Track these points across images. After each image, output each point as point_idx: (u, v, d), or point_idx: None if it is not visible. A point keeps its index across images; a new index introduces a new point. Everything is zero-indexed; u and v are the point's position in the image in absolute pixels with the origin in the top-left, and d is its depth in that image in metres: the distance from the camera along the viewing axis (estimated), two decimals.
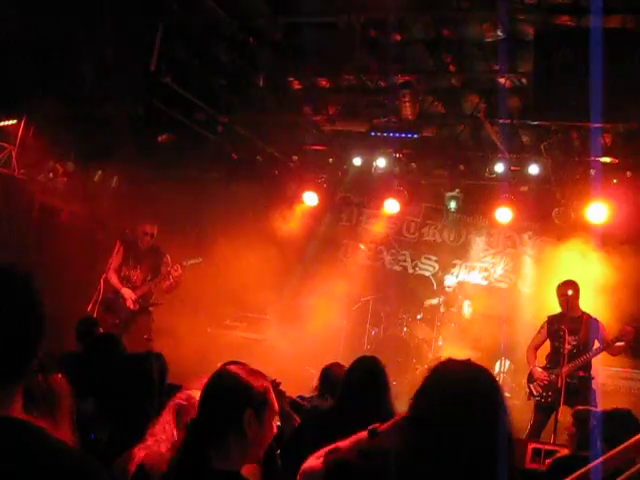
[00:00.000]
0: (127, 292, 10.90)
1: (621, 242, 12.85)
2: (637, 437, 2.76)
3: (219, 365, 5.48)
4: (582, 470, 2.75)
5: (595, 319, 9.90)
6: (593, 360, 9.73)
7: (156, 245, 11.31)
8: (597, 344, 9.55)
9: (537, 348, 10.07)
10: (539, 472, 7.12)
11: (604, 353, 9.78)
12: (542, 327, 10.33)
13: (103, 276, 10.95)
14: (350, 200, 15.46)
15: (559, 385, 9.11)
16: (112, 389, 4.76)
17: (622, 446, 2.77)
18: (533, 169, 12.80)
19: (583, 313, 9.82)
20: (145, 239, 11.12)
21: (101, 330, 8.78)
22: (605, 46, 8.82)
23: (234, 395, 3.25)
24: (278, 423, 6.07)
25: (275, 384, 5.77)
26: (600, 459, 2.79)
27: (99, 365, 5.40)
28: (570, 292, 9.55)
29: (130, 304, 10.85)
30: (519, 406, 11.73)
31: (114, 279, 10.94)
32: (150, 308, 11.13)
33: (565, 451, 6.65)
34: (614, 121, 10.95)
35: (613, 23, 8.96)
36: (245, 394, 3.25)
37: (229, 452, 3.19)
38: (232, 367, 3.45)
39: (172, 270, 10.86)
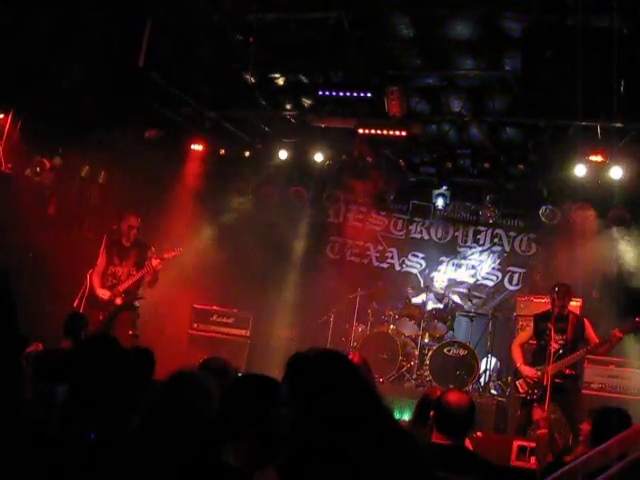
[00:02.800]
0: (102, 293, 10.85)
1: None
2: (622, 434, 2.78)
3: (201, 360, 5.50)
4: (566, 468, 2.76)
5: (581, 317, 9.97)
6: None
7: (141, 239, 11.27)
8: (583, 344, 9.60)
9: (522, 345, 10.10)
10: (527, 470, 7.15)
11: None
12: (528, 325, 10.42)
13: (90, 272, 10.91)
14: (337, 197, 15.45)
15: (545, 383, 9.14)
16: (97, 384, 4.74)
17: (609, 443, 2.79)
18: (520, 167, 12.84)
19: (569, 312, 9.85)
20: (131, 233, 11.07)
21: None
22: (593, 45, 8.87)
23: (254, 400, 3.27)
24: None
25: None
26: (585, 456, 2.80)
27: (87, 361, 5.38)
28: (557, 290, 9.58)
29: (108, 297, 10.79)
30: (505, 403, 11.79)
31: (95, 281, 10.89)
32: (136, 303, 11.09)
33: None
34: (602, 119, 10.99)
35: (601, 22, 8.97)
36: (258, 398, 3.27)
37: (240, 450, 3.20)
38: (249, 374, 3.49)
39: (154, 263, 10.81)
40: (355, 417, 2.69)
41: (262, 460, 3.30)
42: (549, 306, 9.81)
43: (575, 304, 11.33)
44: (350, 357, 5.42)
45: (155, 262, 10.82)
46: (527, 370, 9.66)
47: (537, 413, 8.26)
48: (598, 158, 11.96)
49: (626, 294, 12.21)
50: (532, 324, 10.11)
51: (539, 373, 9.44)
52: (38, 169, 12.61)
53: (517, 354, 9.98)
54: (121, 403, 4.70)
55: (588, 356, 10.80)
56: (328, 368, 2.82)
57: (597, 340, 9.55)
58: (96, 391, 4.00)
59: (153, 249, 11.11)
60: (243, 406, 3.28)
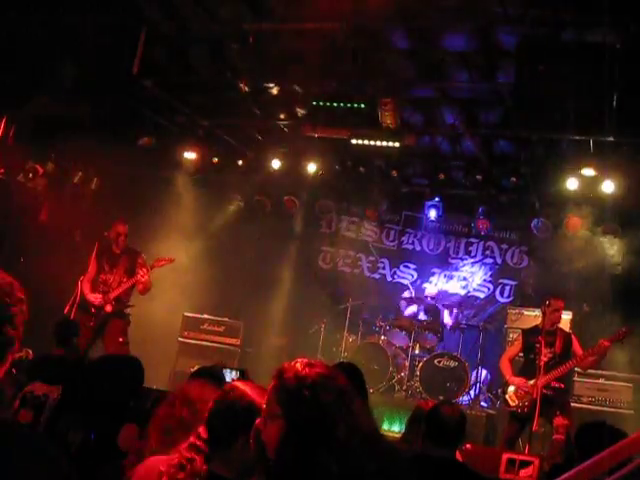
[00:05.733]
0: (93, 297, 10.81)
1: None
2: (610, 449, 2.78)
3: (192, 369, 5.49)
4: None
5: (569, 333, 10.03)
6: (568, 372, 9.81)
7: (131, 247, 11.24)
8: (571, 358, 9.62)
9: (511, 360, 10.10)
10: None
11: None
12: (516, 339, 10.43)
13: (81, 278, 10.87)
14: (330, 207, 15.46)
15: (535, 396, 9.15)
16: (88, 391, 4.74)
17: (597, 457, 2.78)
18: (513, 179, 12.88)
19: (557, 328, 9.89)
20: (120, 240, 11.03)
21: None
22: (586, 59, 8.91)
23: (241, 416, 3.27)
24: None
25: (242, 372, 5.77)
26: (574, 470, 2.79)
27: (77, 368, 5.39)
28: (547, 303, 9.62)
29: (99, 302, 10.75)
30: (495, 416, 11.78)
31: (86, 287, 10.85)
32: (128, 311, 11.05)
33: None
34: (595, 133, 11.04)
35: (594, 37, 9.01)
36: (253, 415, 3.27)
37: (231, 460, 3.24)
38: (240, 385, 3.48)
39: (139, 276, 10.77)
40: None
41: (253, 470, 3.30)
42: (539, 320, 9.85)
43: (566, 317, 11.37)
44: None
45: (141, 274, 10.76)
46: (517, 380, 9.66)
47: (558, 420, 8.30)
48: (590, 172, 12.02)
49: (617, 307, 12.22)
50: (520, 338, 10.13)
51: (530, 383, 9.45)
52: (31, 175, 12.63)
53: (506, 368, 9.98)
54: (112, 410, 4.70)
55: (578, 370, 10.85)
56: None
57: (582, 351, 9.57)
58: (89, 398, 4.01)
59: (143, 256, 11.09)
60: (226, 416, 3.29)
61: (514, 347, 10.33)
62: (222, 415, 3.33)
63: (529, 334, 9.94)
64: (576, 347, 9.69)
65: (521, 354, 10.08)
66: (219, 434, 3.28)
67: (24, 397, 4.75)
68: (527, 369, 9.73)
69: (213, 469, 3.21)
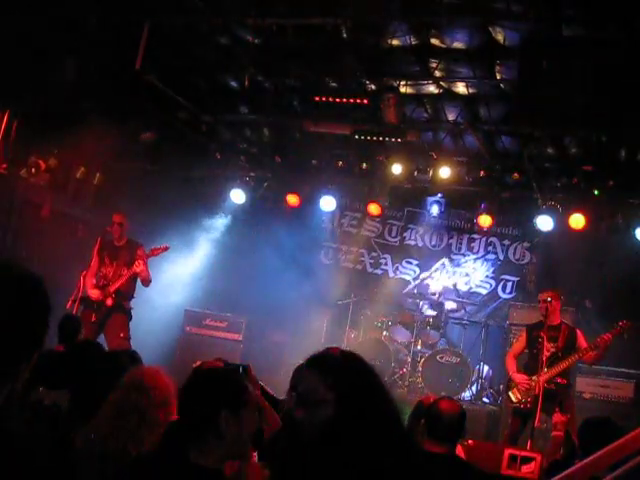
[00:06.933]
0: (92, 292, 10.80)
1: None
2: (612, 446, 2.78)
3: (195, 365, 5.49)
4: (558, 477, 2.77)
5: (573, 328, 9.96)
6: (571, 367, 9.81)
7: (132, 239, 11.22)
8: (574, 353, 9.60)
9: (516, 356, 10.08)
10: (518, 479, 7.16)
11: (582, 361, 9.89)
12: (521, 335, 10.40)
13: (83, 273, 10.87)
14: (332, 202, 15.45)
15: (537, 391, 9.15)
16: (88, 386, 4.74)
17: (598, 453, 2.79)
18: (515, 175, 12.88)
19: (562, 322, 9.87)
20: (114, 229, 10.99)
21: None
22: (589, 55, 8.90)
23: (209, 396, 3.24)
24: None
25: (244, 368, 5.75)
26: (577, 466, 2.80)
27: (78, 363, 5.38)
28: (549, 300, 9.61)
29: (97, 297, 10.74)
30: (497, 412, 11.79)
31: (88, 281, 10.84)
32: (129, 305, 11.03)
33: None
34: (593, 129, 11.04)
35: (598, 33, 9.01)
36: (220, 394, 3.24)
37: (209, 450, 3.18)
38: (207, 367, 3.43)
39: (134, 266, 10.74)
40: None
41: (233, 457, 3.28)
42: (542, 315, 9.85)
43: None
44: None
45: (136, 265, 10.72)
46: (519, 377, 9.66)
47: (556, 416, 8.29)
48: (592, 168, 12.02)
49: (619, 303, 12.22)
50: (525, 334, 10.11)
51: (531, 380, 9.44)
52: (33, 170, 12.61)
53: (510, 364, 9.98)
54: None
55: (580, 366, 10.83)
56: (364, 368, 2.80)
57: (586, 345, 9.54)
58: (94, 394, 4.01)
59: (143, 248, 11.05)
60: (199, 407, 3.26)
61: (519, 343, 10.31)
62: (192, 400, 3.29)
63: (533, 329, 9.92)
64: (581, 341, 9.64)
65: (527, 350, 10.07)
66: (199, 414, 3.23)
67: (34, 408, 4.73)
68: (530, 364, 9.73)
69: (193, 462, 3.16)
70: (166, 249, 11.14)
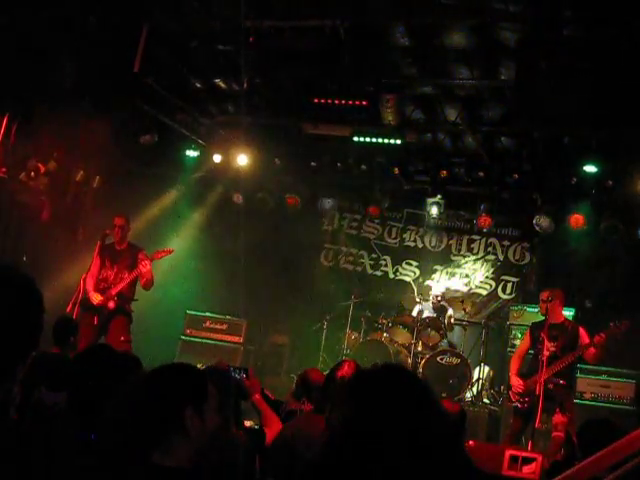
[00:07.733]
0: (93, 296, 10.77)
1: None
2: (612, 447, 2.77)
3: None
4: (558, 478, 2.76)
5: (576, 326, 9.87)
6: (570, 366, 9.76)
7: (133, 243, 11.22)
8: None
9: (522, 356, 10.03)
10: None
11: (583, 361, 9.86)
12: (525, 335, 10.33)
13: (83, 276, 10.85)
14: (332, 204, 15.46)
15: (537, 392, 9.12)
16: (87, 387, 4.74)
17: (598, 454, 2.78)
18: (515, 176, 12.88)
19: (565, 320, 9.83)
20: (115, 231, 10.99)
21: (80, 331, 8.76)
22: (587, 56, 8.90)
23: (170, 394, 3.13)
24: (256, 427, 6.05)
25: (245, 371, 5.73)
26: (577, 467, 2.79)
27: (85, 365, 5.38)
28: (550, 299, 9.58)
29: (99, 302, 10.72)
30: (497, 413, 11.78)
31: (89, 284, 10.83)
32: (130, 308, 11.01)
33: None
34: (592, 129, 11.03)
35: (597, 34, 9.01)
36: (181, 392, 3.16)
37: (173, 450, 3.05)
38: (167, 365, 3.35)
39: (140, 266, 10.74)
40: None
41: (197, 455, 3.18)
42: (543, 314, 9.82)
43: (568, 313, 11.34)
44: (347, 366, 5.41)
45: (142, 265, 10.74)
46: (514, 381, 9.62)
47: (557, 417, 8.26)
48: (592, 168, 12.01)
49: (619, 303, 12.22)
50: (529, 333, 10.06)
51: (530, 385, 9.38)
52: (33, 173, 12.61)
53: (513, 364, 9.93)
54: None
55: (580, 366, 10.80)
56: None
57: (588, 341, 9.49)
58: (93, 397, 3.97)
59: (144, 252, 11.05)
60: (161, 405, 3.13)
61: (523, 343, 10.24)
62: (152, 400, 3.14)
63: (535, 329, 9.87)
64: (583, 338, 9.55)
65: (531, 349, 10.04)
66: (162, 412, 3.10)
67: (34, 407, 4.73)
68: (533, 364, 9.70)
69: (156, 462, 3.02)
70: (170, 252, 11.14)
